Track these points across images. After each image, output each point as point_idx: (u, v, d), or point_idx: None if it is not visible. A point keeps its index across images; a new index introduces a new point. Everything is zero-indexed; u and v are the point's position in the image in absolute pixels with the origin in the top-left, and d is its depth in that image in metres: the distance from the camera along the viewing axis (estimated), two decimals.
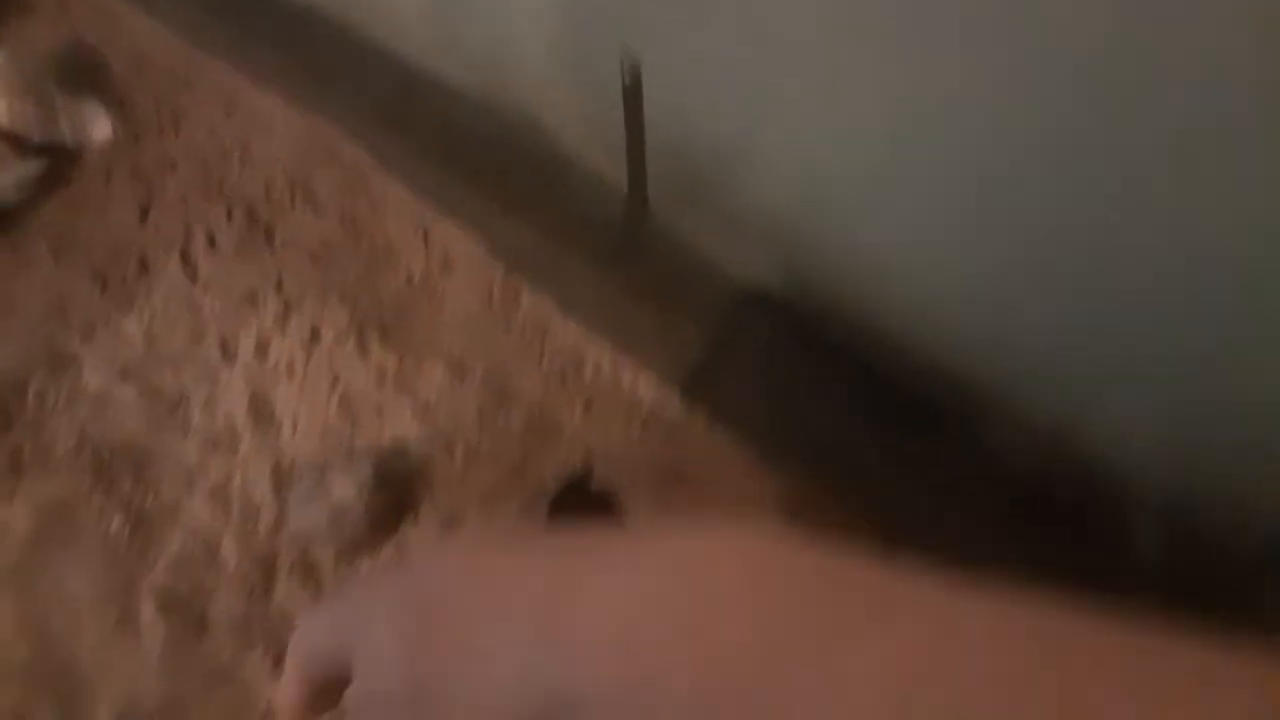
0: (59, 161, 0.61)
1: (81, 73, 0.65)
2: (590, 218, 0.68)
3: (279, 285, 0.58)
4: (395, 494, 0.51)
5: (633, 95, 0.58)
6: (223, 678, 0.46)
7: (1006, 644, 0.21)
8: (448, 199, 0.61)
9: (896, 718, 0.20)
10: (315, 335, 0.56)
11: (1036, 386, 0.57)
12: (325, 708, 0.34)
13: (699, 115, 0.58)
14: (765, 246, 0.62)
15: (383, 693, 0.29)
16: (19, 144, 0.60)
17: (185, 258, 0.58)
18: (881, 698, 0.20)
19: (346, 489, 0.50)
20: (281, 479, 0.51)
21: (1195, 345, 0.49)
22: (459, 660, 0.28)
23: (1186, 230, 0.41)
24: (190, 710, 0.45)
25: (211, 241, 0.59)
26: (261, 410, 0.54)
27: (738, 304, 0.60)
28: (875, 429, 0.59)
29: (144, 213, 0.60)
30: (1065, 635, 0.21)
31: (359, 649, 0.30)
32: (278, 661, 0.46)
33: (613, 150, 0.63)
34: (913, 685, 0.20)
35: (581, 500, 0.50)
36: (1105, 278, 0.48)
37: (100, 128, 0.62)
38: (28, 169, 0.60)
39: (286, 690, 0.34)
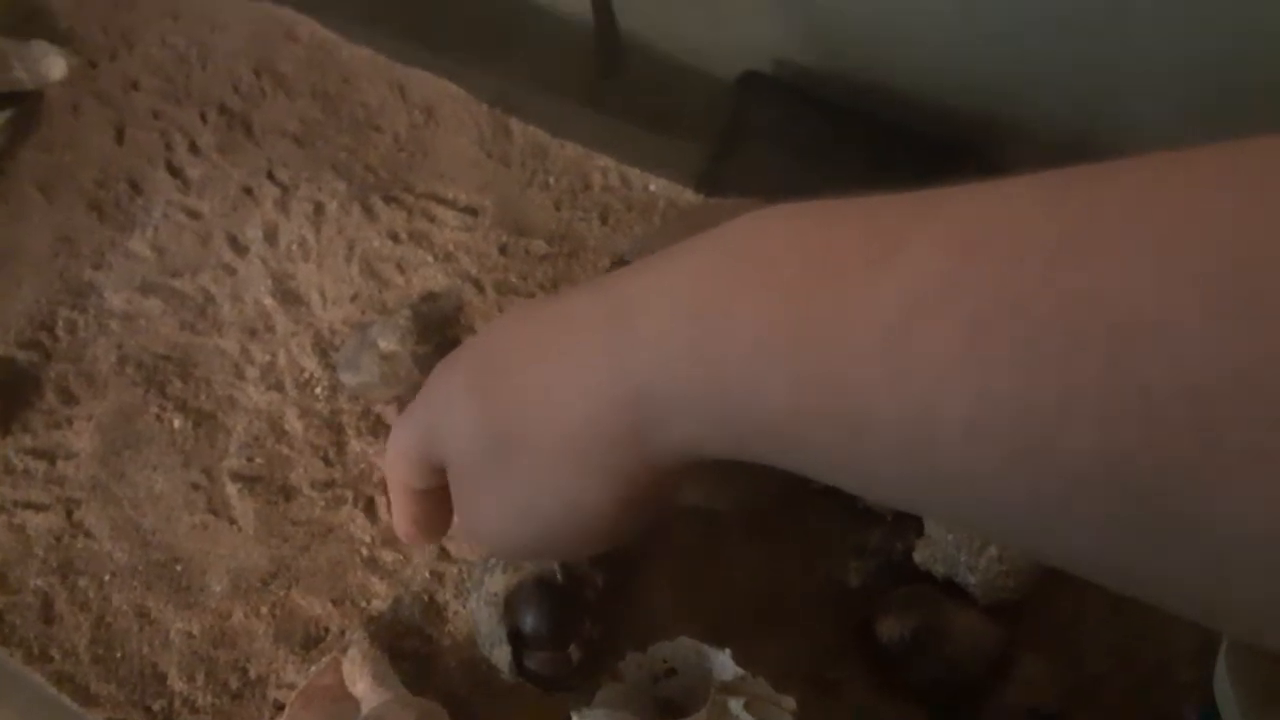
0: (24, 107, 0.60)
1: (23, 19, 0.63)
2: (564, 46, 0.67)
3: (270, 174, 0.57)
4: (438, 337, 0.51)
5: None
6: (320, 533, 0.47)
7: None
8: (417, 57, 0.60)
9: (953, 282, 0.19)
10: (319, 210, 0.56)
11: (1051, 109, 0.57)
12: (438, 521, 0.35)
13: None
14: (747, 26, 0.61)
15: (469, 453, 0.30)
16: None
17: (172, 169, 0.58)
18: (929, 279, 0.20)
19: (390, 341, 0.50)
20: (325, 348, 0.52)
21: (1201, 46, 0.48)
22: (530, 402, 0.28)
23: None
24: (298, 567, 0.46)
25: (193, 147, 0.58)
26: (287, 291, 0.54)
27: (732, 92, 0.59)
28: (896, 178, 0.59)
29: (120, 135, 0.59)
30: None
31: (444, 433, 0.31)
32: (369, 507, 0.47)
33: None
34: (970, 242, 0.20)
35: None
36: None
37: (54, 65, 0.61)
38: None
39: (397, 499, 0.35)
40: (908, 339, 0.20)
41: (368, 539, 0.47)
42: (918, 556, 0.44)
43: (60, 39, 0.62)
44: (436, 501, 0.34)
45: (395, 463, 0.34)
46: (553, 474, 0.27)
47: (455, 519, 0.35)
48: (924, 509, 0.22)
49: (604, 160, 0.56)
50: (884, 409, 0.20)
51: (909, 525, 0.45)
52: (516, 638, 0.41)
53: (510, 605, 0.42)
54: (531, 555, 0.39)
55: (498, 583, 0.42)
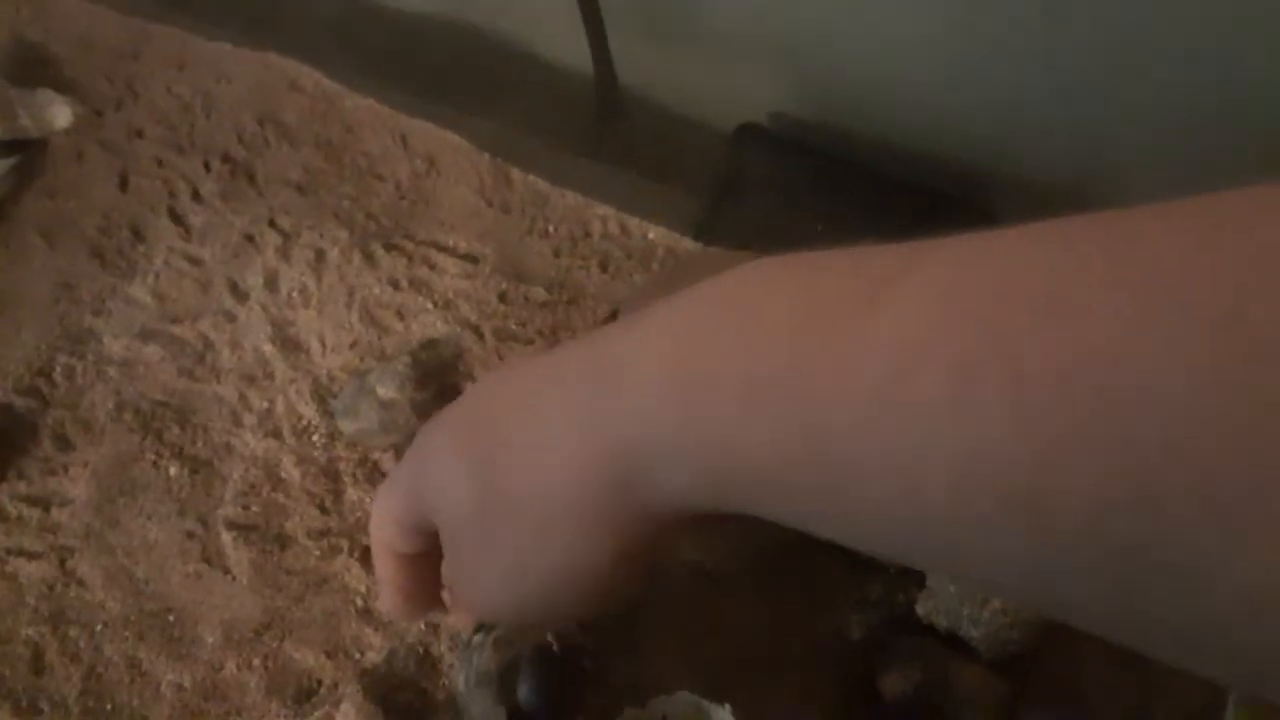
0: (29, 154, 0.60)
1: (30, 67, 0.64)
2: (563, 97, 0.67)
3: (272, 221, 0.58)
4: (436, 385, 0.51)
5: None
6: (315, 583, 0.47)
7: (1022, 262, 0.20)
8: (419, 107, 0.61)
9: (937, 331, 0.19)
10: (320, 257, 0.56)
11: (1043, 163, 0.58)
12: (425, 593, 0.35)
13: None
14: (745, 80, 0.61)
15: (460, 516, 0.29)
16: None
17: (174, 216, 0.58)
18: (915, 327, 0.20)
19: (389, 388, 0.50)
20: (323, 395, 0.52)
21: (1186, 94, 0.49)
22: (518, 465, 0.27)
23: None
24: (292, 618, 0.46)
25: (196, 195, 0.59)
26: (287, 338, 0.54)
27: (729, 142, 0.60)
28: (890, 229, 0.59)
29: (124, 182, 0.59)
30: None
31: (433, 495, 0.30)
32: (364, 556, 0.47)
33: (571, 26, 0.62)
34: (955, 296, 0.20)
35: None
36: (1090, 45, 0.48)
37: (60, 113, 0.61)
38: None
39: (382, 566, 0.34)
40: (895, 386, 0.19)
41: (363, 589, 0.46)
42: (920, 609, 0.43)
43: (66, 88, 0.63)
44: (424, 569, 0.34)
45: (381, 526, 0.33)
46: (547, 533, 0.27)
47: (444, 591, 0.35)
48: (914, 560, 0.22)
49: (603, 209, 0.57)
50: (871, 457, 0.20)
51: (911, 577, 0.44)
52: (516, 716, 0.40)
53: (505, 682, 0.40)
54: (529, 619, 0.38)
55: (488, 660, 0.40)
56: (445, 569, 0.34)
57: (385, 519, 0.32)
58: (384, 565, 0.34)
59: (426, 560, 0.33)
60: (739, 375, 0.22)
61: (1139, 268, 0.17)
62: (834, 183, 0.59)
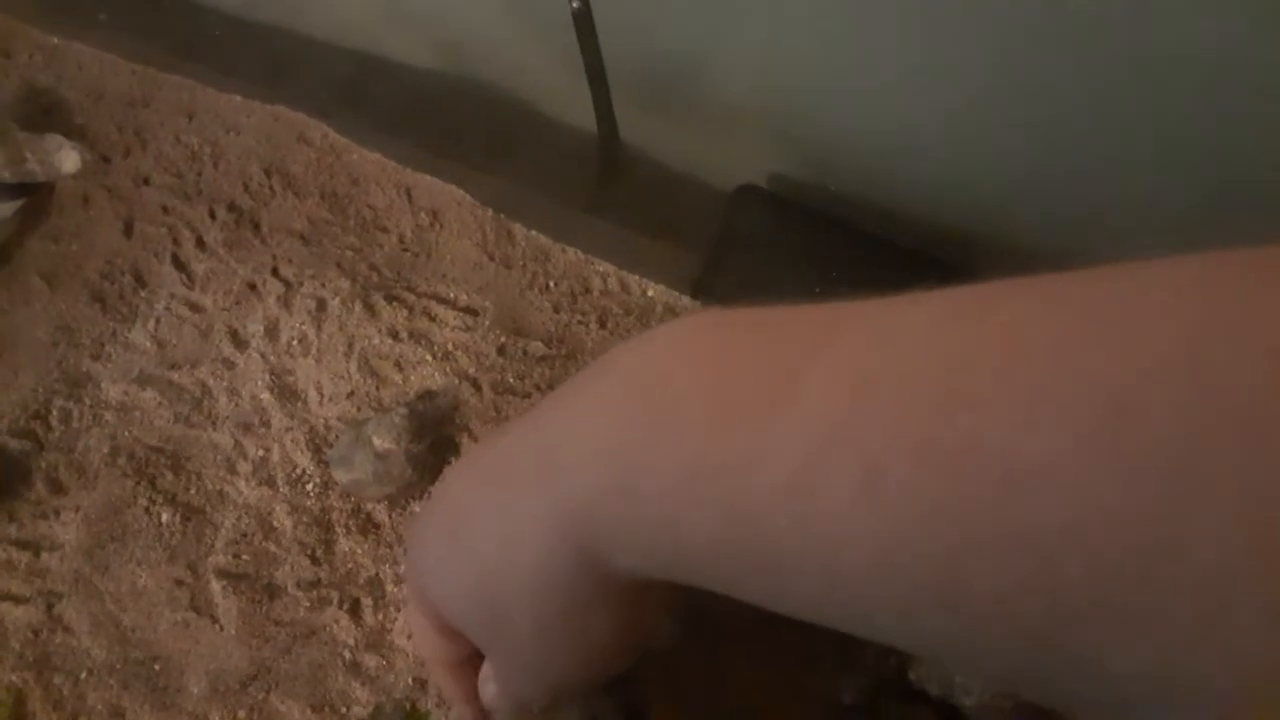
0: (35, 198, 0.61)
1: (40, 112, 0.65)
2: (566, 154, 0.68)
3: (275, 270, 0.58)
4: (432, 436, 0.51)
5: (583, 19, 0.59)
6: (303, 634, 0.46)
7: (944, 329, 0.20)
8: (424, 161, 0.62)
9: (845, 428, 0.20)
10: (322, 307, 0.56)
11: (1037, 228, 0.59)
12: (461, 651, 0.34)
13: (656, 28, 0.59)
14: (745, 143, 0.62)
15: (478, 635, 0.30)
16: None
17: (178, 263, 0.59)
18: (823, 424, 0.20)
19: (385, 439, 0.50)
20: (319, 444, 0.52)
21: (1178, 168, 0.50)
22: (498, 562, 0.28)
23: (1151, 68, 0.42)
24: (278, 670, 0.45)
25: (200, 243, 0.59)
26: (284, 386, 0.54)
27: (728, 203, 0.61)
28: (884, 291, 0.60)
29: (128, 228, 0.60)
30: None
31: (442, 606, 0.31)
32: (354, 609, 0.47)
33: (575, 87, 0.63)
34: (861, 386, 0.20)
35: None
36: (1084, 118, 0.49)
37: (68, 158, 0.62)
38: (5, 209, 0.60)
39: (448, 686, 0.34)
40: (809, 485, 0.20)
41: (351, 641, 0.46)
42: (913, 675, 0.43)
43: (76, 133, 0.63)
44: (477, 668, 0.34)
45: (423, 639, 0.33)
46: (545, 624, 0.28)
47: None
48: (854, 632, 0.23)
49: (604, 265, 0.57)
50: (793, 549, 0.21)
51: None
52: None
53: None
54: (567, 691, 0.39)
55: None
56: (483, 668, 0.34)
57: (424, 631, 0.33)
58: (448, 684, 0.34)
59: (479, 659, 0.33)
60: (669, 467, 0.23)
61: (1035, 354, 0.18)
62: (831, 245, 0.59)
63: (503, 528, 0.27)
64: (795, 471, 0.20)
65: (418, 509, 0.50)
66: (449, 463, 0.51)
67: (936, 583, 0.18)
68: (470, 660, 0.33)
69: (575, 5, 0.58)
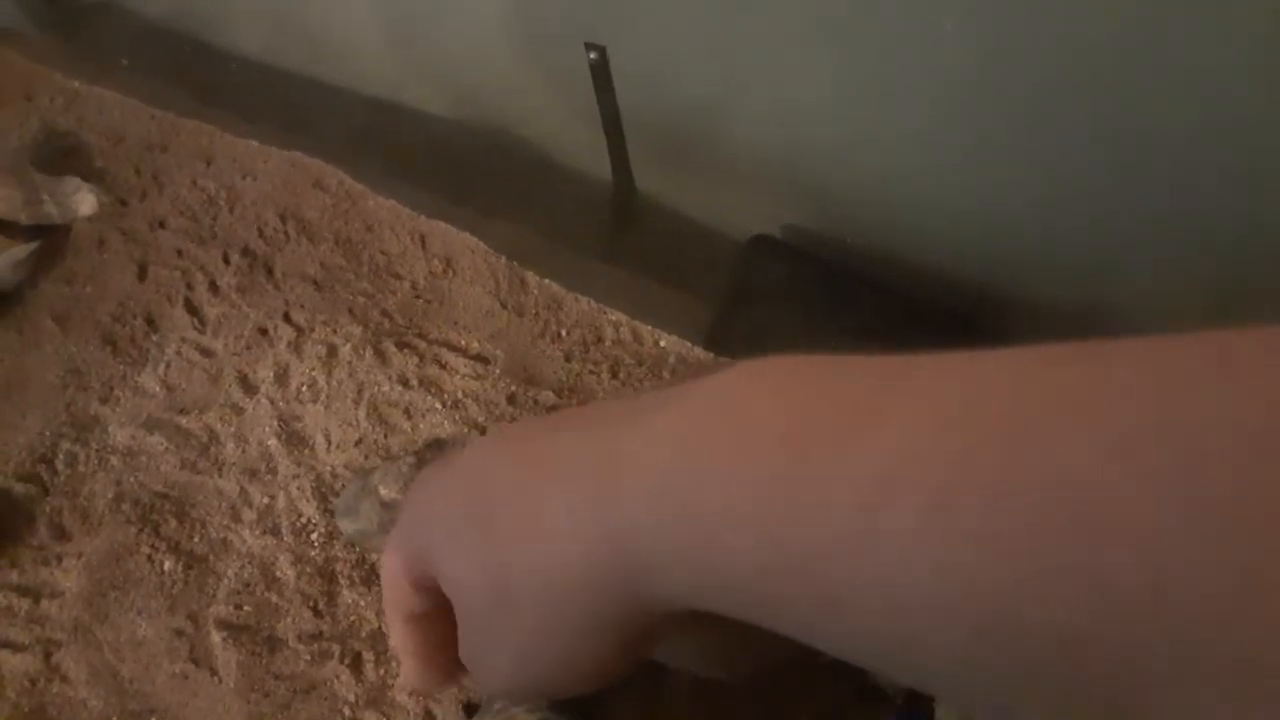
0: (51, 239, 0.61)
1: (59, 154, 0.65)
2: (581, 202, 0.68)
3: (287, 315, 0.58)
4: None
5: (601, 71, 0.59)
6: (303, 689, 0.45)
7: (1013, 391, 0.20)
8: (439, 208, 0.61)
9: (917, 461, 0.20)
10: (332, 353, 0.56)
11: (1053, 283, 0.58)
12: (443, 658, 0.34)
13: (672, 82, 0.59)
14: (759, 193, 0.62)
15: (473, 594, 0.30)
16: (8, 229, 0.61)
17: (190, 307, 0.59)
18: (895, 457, 0.20)
19: (391, 489, 0.49)
20: (325, 493, 0.51)
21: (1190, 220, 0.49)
22: (523, 553, 0.28)
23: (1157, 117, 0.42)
24: None
25: (213, 287, 0.59)
26: (292, 433, 0.53)
27: (742, 253, 0.61)
28: (898, 345, 0.59)
29: (142, 271, 0.60)
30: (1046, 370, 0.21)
31: (444, 557, 0.30)
32: (355, 663, 0.46)
33: (592, 137, 0.63)
34: (934, 419, 0.20)
35: None
36: (1094, 173, 0.49)
37: (84, 201, 0.62)
38: (20, 251, 0.60)
39: (399, 634, 0.34)
40: (876, 514, 0.20)
41: (351, 698, 0.45)
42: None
43: (94, 176, 0.64)
44: (439, 630, 0.33)
45: (393, 586, 0.33)
46: (553, 626, 0.27)
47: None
48: (901, 676, 0.22)
49: (616, 315, 0.57)
50: (854, 580, 0.21)
51: (921, 707, 0.43)
52: None
53: None
54: (529, 695, 0.39)
55: None
56: (460, 634, 0.33)
57: (395, 578, 0.32)
58: (400, 632, 0.33)
59: (441, 620, 0.33)
60: (732, 495, 0.23)
61: (1120, 398, 0.18)
62: (845, 297, 0.59)
63: (543, 523, 0.27)
64: (863, 498, 0.20)
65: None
66: None
67: (996, 621, 0.18)
68: (428, 616, 0.32)
69: (593, 57, 0.59)
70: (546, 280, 0.58)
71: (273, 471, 0.52)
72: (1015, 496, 0.18)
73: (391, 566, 0.32)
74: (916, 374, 0.22)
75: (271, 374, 0.56)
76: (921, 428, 0.20)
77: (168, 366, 0.56)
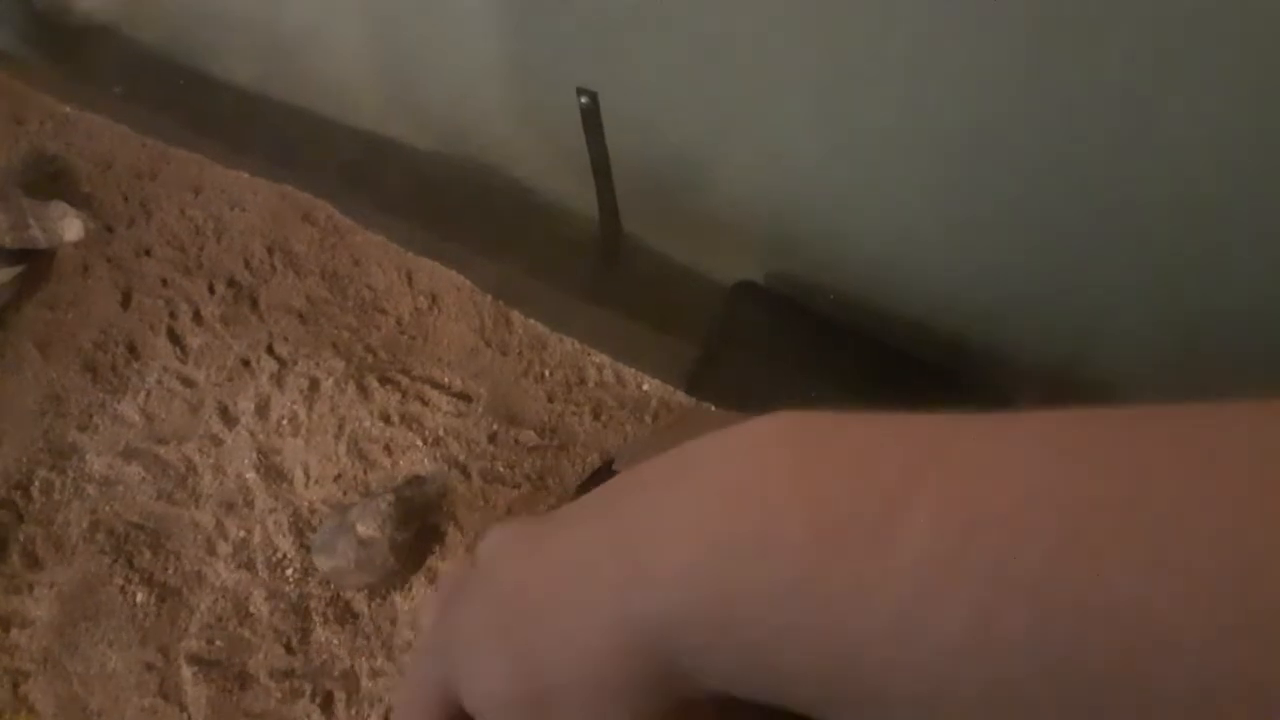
0: (36, 264, 0.61)
1: (47, 179, 0.65)
2: (568, 243, 0.69)
3: (270, 347, 0.58)
4: (418, 524, 0.51)
5: (591, 115, 0.60)
6: None
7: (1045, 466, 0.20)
8: (426, 245, 0.62)
9: (956, 567, 0.20)
10: (314, 386, 0.56)
11: (1035, 336, 0.59)
12: None
13: (661, 129, 0.60)
14: (744, 240, 0.63)
15: (497, 706, 0.29)
16: None
17: (173, 336, 0.58)
18: (933, 562, 0.20)
19: (369, 526, 0.49)
20: (302, 528, 0.51)
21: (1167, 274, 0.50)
22: (555, 660, 0.27)
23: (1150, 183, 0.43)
24: None
25: (197, 316, 0.59)
26: (271, 466, 0.53)
27: (726, 298, 0.61)
28: (879, 394, 0.60)
29: (126, 299, 0.60)
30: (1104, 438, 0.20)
31: (471, 675, 0.30)
32: (326, 703, 0.45)
33: (580, 178, 0.64)
34: (971, 524, 0.20)
35: None
36: (1077, 226, 0.50)
37: (71, 226, 0.62)
38: (3, 275, 0.60)
39: None
40: (918, 623, 0.20)
41: None
42: None
43: (81, 202, 0.64)
44: None
45: (411, 706, 0.32)
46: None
47: None
48: None
49: (600, 356, 0.57)
50: (898, 686, 0.20)
51: None
52: None
53: None
54: None
55: None
56: None
57: (418, 699, 0.31)
58: None
59: None
60: (760, 585, 0.22)
61: (1161, 502, 0.17)
62: (826, 345, 0.59)
63: (570, 630, 0.26)
64: (903, 609, 0.20)
65: (398, 599, 0.49)
66: (433, 552, 0.51)
67: None
68: None
69: (584, 101, 0.59)
70: (531, 320, 0.59)
71: (250, 505, 0.52)
72: (1058, 611, 0.18)
73: (416, 687, 0.31)
74: (942, 458, 0.21)
75: (252, 406, 0.56)
76: (954, 534, 0.20)
77: (148, 395, 0.56)
